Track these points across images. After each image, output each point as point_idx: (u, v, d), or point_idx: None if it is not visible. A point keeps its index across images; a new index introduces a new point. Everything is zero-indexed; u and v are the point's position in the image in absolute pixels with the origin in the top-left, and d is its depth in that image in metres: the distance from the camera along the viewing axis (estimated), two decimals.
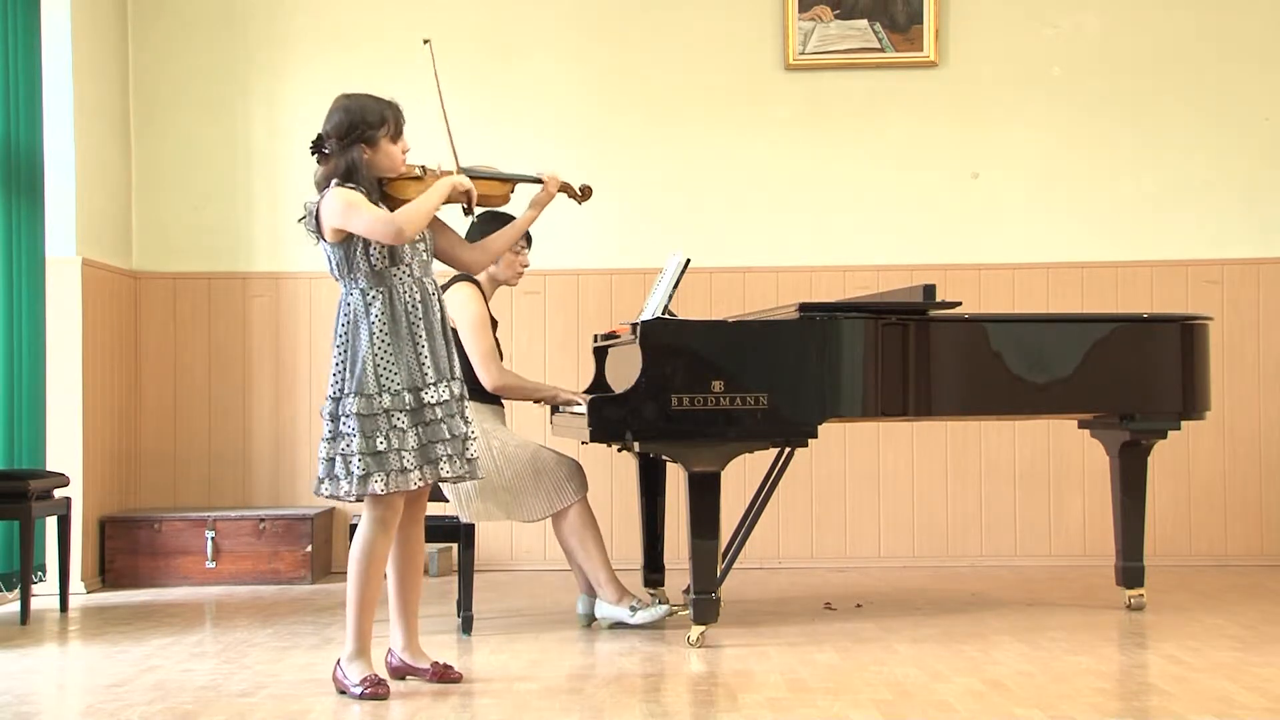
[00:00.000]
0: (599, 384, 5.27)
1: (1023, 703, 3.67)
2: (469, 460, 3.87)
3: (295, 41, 6.59)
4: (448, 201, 3.91)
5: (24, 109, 5.67)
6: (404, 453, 3.76)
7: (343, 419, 3.76)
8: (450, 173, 4.01)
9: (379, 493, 3.75)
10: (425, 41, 4.16)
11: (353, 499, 3.79)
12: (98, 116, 6.18)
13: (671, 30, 6.58)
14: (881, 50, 6.50)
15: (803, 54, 6.50)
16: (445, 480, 3.83)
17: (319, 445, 3.83)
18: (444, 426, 3.80)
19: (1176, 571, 6.15)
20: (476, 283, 4.90)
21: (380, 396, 3.75)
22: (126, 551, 6.08)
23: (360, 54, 6.51)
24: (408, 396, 3.77)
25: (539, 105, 6.55)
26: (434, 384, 3.80)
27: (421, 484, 3.80)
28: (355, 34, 6.57)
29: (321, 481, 3.82)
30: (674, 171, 6.55)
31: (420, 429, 3.79)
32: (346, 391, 3.77)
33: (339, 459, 3.77)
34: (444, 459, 3.80)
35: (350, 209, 3.76)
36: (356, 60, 6.49)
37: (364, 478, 3.74)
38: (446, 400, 3.82)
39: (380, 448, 3.74)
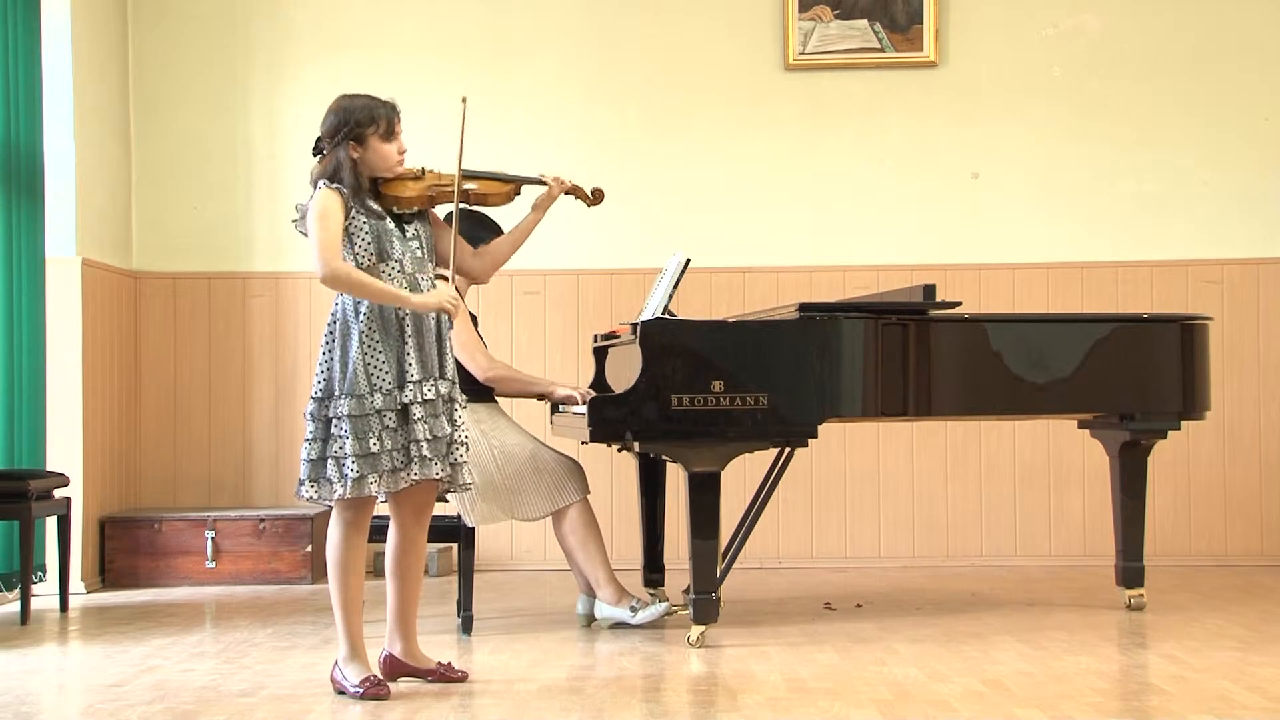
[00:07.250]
0: (599, 384, 5.26)
1: (1023, 703, 3.67)
2: (453, 465, 3.83)
3: (296, 41, 6.59)
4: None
5: (24, 109, 5.67)
6: (395, 453, 3.74)
7: (334, 421, 3.72)
8: (449, 187, 3.97)
9: (374, 495, 3.74)
10: (463, 100, 4.04)
11: (342, 501, 3.75)
12: (98, 116, 6.17)
13: (672, 30, 6.58)
14: (881, 50, 6.50)
15: (803, 54, 6.50)
16: (428, 481, 3.80)
17: (301, 447, 3.78)
18: (426, 426, 3.75)
19: (1176, 571, 6.15)
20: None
21: (372, 396, 3.72)
22: (126, 551, 6.08)
23: (360, 54, 6.51)
24: (398, 395, 3.75)
25: (538, 106, 6.55)
26: (417, 382, 3.76)
27: (406, 483, 3.76)
28: (355, 34, 6.57)
29: (304, 483, 3.76)
30: (674, 171, 6.55)
31: (404, 427, 3.76)
32: (336, 393, 3.74)
33: (331, 461, 3.73)
34: (418, 460, 3.74)
35: (318, 219, 3.75)
36: (357, 60, 6.49)
37: (359, 480, 3.71)
38: (431, 399, 3.78)
39: (374, 449, 3.71)
